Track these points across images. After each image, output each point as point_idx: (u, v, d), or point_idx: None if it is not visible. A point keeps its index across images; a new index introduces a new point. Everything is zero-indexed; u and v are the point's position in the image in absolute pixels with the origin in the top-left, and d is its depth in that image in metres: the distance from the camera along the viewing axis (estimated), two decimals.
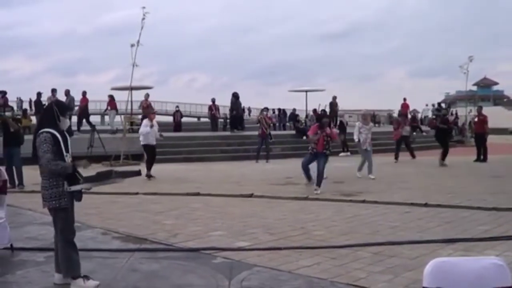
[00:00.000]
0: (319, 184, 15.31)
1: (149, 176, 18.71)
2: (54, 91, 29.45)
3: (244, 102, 37.64)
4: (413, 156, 27.49)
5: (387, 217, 11.73)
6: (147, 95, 32.18)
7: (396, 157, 26.13)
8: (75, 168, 6.65)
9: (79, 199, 6.89)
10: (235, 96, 34.45)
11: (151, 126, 19.29)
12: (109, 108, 34.04)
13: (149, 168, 19.14)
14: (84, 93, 32.41)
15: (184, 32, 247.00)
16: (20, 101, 56.33)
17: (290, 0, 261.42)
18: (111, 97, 33.92)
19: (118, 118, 33.52)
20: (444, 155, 23.40)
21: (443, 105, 49.66)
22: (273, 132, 30.14)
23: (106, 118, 35.57)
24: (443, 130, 24.48)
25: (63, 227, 6.78)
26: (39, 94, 31.44)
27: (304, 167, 16.33)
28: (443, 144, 23.88)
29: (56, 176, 6.60)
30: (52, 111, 6.84)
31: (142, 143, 19.75)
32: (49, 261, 7.91)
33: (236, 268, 7.81)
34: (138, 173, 7.44)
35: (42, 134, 6.62)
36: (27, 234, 10.25)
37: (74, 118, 30.68)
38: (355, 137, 19.13)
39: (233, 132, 33.60)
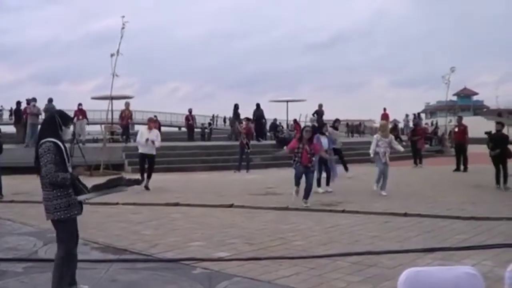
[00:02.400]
0: (307, 197, 14.83)
1: (144, 185, 18.39)
2: (34, 100, 29.38)
3: (227, 112, 37.63)
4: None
5: (367, 227, 11.78)
6: (127, 104, 31.95)
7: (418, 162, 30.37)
8: (73, 178, 6.55)
9: (80, 211, 6.84)
10: (258, 106, 35.17)
11: (147, 140, 18.69)
12: (80, 117, 33.66)
13: (142, 176, 18.54)
14: (29, 101, 30.54)
15: (168, 41, 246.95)
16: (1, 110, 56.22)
17: (275, 9, 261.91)
18: (80, 106, 33.61)
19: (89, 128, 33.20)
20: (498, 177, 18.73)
21: (411, 116, 50.01)
22: (253, 142, 30.11)
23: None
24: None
25: (67, 239, 6.67)
26: (18, 103, 31.39)
27: (298, 177, 15.09)
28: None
29: (60, 187, 6.49)
30: (55, 120, 6.76)
31: (139, 151, 19.46)
32: (28, 272, 7.90)
33: (215, 279, 7.81)
34: (138, 181, 7.33)
35: (45, 144, 6.52)
36: (6, 244, 10.20)
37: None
38: (371, 150, 17.95)
39: (259, 141, 34.73)
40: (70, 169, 6.67)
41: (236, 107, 36.05)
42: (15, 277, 7.95)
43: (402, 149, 18.97)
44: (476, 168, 25.79)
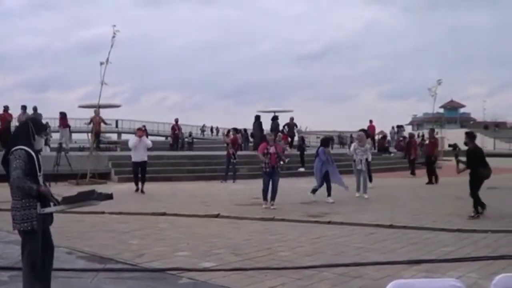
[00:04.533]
0: (274, 199, 16.63)
1: (137, 190, 20.61)
2: (23, 107, 29.45)
3: (215, 121, 37.80)
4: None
5: (353, 238, 11.80)
6: (97, 111, 31.66)
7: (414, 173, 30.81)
8: (39, 192, 6.35)
9: (51, 222, 6.76)
10: (275, 118, 36.25)
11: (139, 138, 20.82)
12: (61, 126, 33.30)
13: (136, 183, 20.74)
14: (6, 108, 30.63)
15: (158, 50, 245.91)
16: None
17: (264, 21, 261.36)
18: (63, 115, 33.34)
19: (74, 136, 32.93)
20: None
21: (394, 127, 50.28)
22: (240, 153, 30.12)
23: (56, 135, 34.49)
24: None
25: (31, 251, 6.50)
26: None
27: (266, 190, 16.73)
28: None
29: (28, 197, 6.35)
30: (28, 128, 6.65)
31: (132, 160, 21.14)
32: (14, 281, 7.85)
33: None
34: (110, 196, 7.20)
35: (16, 151, 6.39)
36: None
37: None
38: (350, 151, 20.90)
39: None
40: (41, 179, 6.57)
41: (257, 117, 36.15)
42: (0, 285, 7.91)
43: (370, 159, 20.93)
44: (462, 180, 25.85)
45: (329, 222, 13.73)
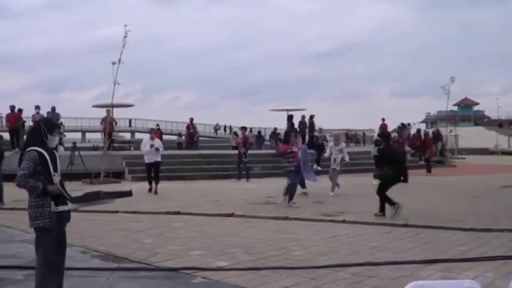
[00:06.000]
0: (292, 198, 16.79)
1: (150, 189, 20.55)
2: (37, 107, 29.60)
3: (227, 121, 37.82)
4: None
5: (367, 237, 11.76)
6: (109, 111, 31.64)
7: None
8: (46, 190, 6.38)
9: (68, 220, 6.79)
10: (311, 117, 36.61)
11: (151, 146, 20.51)
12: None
13: (150, 183, 20.73)
14: (12, 108, 30.48)
15: (170, 50, 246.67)
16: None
17: (277, 20, 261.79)
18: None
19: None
20: None
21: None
22: (251, 152, 30.12)
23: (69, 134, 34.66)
24: None
25: (45, 249, 6.53)
26: (19, 111, 31.36)
27: (295, 186, 17.05)
28: None
29: (41, 196, 6.39)
30: (40, 128, 6.69)
31: (145, 161, 21.09)
32: (28, 280, 7.86)
33: None
34: (129, 193, 7.23)
35: (29, 152, 6.46)
36: (6, 251, 10.20)
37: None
38: (327, 154, 21.53)
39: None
40: (57, 179, 6.57)
41: (290, 117, 36.20)
42: (14, 284, 7.95)
43: (347, 160, 20.90)
44: (476, 178, 25.79)
45: (343, 221, 13.68)
